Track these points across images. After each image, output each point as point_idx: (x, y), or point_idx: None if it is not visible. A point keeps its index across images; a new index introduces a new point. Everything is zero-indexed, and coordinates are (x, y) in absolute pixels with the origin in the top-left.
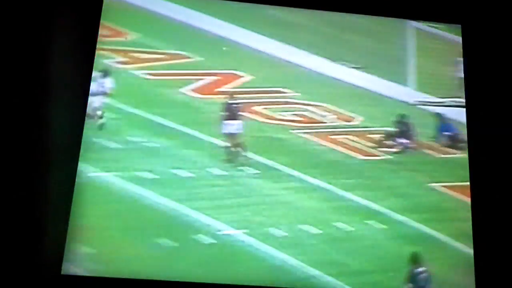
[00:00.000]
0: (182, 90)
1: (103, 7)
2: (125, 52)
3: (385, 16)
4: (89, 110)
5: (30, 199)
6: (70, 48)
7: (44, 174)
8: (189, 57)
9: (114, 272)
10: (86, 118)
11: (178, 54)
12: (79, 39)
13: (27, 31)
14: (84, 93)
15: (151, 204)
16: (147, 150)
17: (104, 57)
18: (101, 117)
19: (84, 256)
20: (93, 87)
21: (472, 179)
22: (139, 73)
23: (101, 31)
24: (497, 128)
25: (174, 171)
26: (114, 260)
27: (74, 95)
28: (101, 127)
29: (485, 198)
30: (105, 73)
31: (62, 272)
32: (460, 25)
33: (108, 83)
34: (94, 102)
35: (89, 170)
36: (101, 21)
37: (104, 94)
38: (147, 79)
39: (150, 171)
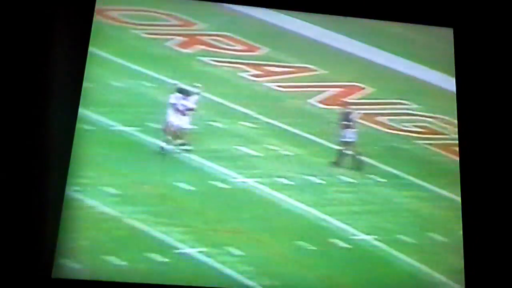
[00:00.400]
0: (310, 101)
1: (236, 23)
2: (258, 66)
3: (371, 18)
4: (167, 129)
5: (23, 200)
6: (63, 50)
7: (37, 176)
8: (315, 70)
9: (264, 273)
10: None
11: (305, 67)
12: (72, 42)
13: (20, 33)
14: (76, 98)
15: (289, 208)
16: (283, 157)
17: (240, 71)
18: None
19: (234, 258)
20: (176, 104)
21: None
22: (271, 85)
23: (235, 46)
24: (489, 131)
25: (307, 177)
26: (263, 262)
27: (68, 99)
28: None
29: None
30: (187, 93)
31: (53, 276)
32: (452, 29)
33: (190, 103)
34: (175, 121)
35: (232, 177)
36: (234, 36)
37: (185, 112)
38: (278, 90)
39: (286, 177)
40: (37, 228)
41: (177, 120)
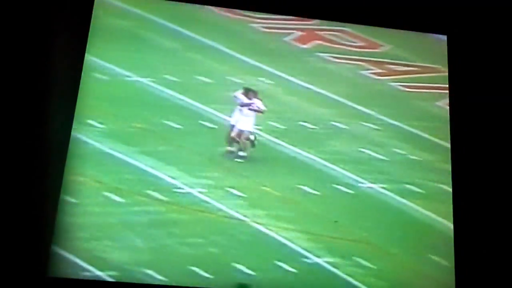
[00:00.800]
0: (438, 103)
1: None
2: (380, 64)
3: (369, 25)
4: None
5: (19, 197)
6: (62, 48)
7: (34, 173)
8: (442, 71)
9: None
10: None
11: (431, 67)
12: (71, 39)
13: (20, 31)
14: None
15: (420, 218)
16: (411, 162)
17: (361, 68)
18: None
19: (364, 270)
20: (240, 105)
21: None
22: (395, 84)
23: (355, 42)
24: (483, 138)
25: (438, 185)
26: (396, 277)
27: (67, 97)
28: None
29: None
30: (254, 94)
31: (48, 274)
32: (445, 36)
33: (255, 106)
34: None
35: (358, 181)
36: (354, 32)
37: (249, 113)
38: (403, 91)
39: (414, 184)
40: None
41: (240, 123)
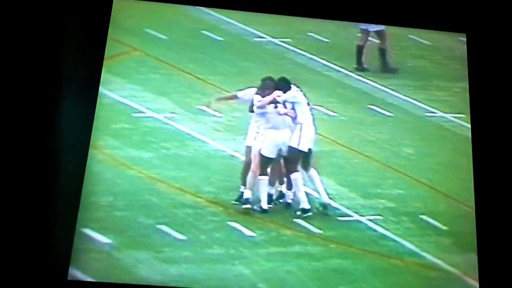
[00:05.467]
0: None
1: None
2: None
3: (388, 25)
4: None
5: (37, 202)
6: (80, 50)
7: (52, 177)
8: None
9: None
10: None
11: None
12: (89, 41)
13: (37, 33)
14: (93, 95)
15: None
16: None
17: None
18: None
19: None
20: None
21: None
22: None
23: None
24: (504, 138)
25: None
26: None
27: (84, 97)
28: None
29: None
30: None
31: (68, 278)
32: (465, 34)
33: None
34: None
35: None
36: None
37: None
38: None
39: None
40: None
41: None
